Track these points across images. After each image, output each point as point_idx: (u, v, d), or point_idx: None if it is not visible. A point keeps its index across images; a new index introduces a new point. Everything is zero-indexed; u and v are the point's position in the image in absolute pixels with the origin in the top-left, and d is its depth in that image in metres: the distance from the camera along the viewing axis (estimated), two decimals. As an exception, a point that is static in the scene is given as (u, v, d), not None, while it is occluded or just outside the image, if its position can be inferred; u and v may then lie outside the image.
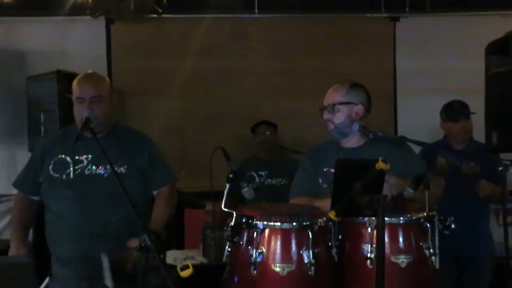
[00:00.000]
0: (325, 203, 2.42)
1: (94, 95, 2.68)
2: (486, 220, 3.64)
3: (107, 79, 2.91)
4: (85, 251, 2.60)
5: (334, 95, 2.71)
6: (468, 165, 3.36)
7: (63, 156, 2.73)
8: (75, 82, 2.75)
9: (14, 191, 4.88)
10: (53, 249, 2.75)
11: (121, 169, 2.70)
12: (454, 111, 3.57)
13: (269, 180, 4.31)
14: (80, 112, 2.68)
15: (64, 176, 2.70)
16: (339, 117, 2.67)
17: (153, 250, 2.01)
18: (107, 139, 2.70)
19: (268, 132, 4.43)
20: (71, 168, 2.69)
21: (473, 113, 3.56)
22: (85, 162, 2.70)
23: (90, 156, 2.70)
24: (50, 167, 2.73)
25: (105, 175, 2.68)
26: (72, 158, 2.71)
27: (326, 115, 2.70)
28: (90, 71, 2.87)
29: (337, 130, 2.69)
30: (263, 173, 4.32)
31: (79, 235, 2.62)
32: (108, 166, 2.62)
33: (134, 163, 2.73)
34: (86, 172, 2.69)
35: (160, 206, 2.78)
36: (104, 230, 2.61)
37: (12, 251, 2.73)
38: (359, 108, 2.70)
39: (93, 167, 2.70)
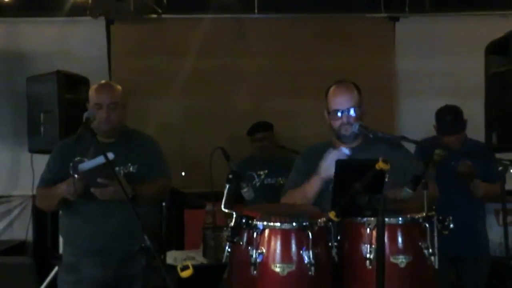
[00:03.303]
0: (312, 183, 2.56)
1: (110, 101, 2.88)
2: (482, 219, 3.64)
3: (120, 87, 3.05)
4: (106, 244, 2.80)
5: (350, 98, 2.67)
6: (464, 163, 3.35)
7: (79, 158, 2.85)
8: (92, 90, 2.96)
9: (14, 192, 4.93)
10: (78, 243, 2.87)
11: (132, 169, 2.90)
12: (447, 126, 3.49)
13: (268, 180, 4.31)
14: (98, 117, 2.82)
15: None
16: (357, 120, 2.64)
17: (153, 250, 2.02)
18: (118, 142, 2.91)
19: (265, 138, 4.41)
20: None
21: (465, 128, 3.53)
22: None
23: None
24: (70, 169, 2.84)
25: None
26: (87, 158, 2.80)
27: (345, 119, 2.65)
28: (104, 81, 3.15)
29: (353, 134, 2.65)
30: (262, 173, 4.31)
31: (103, 230, 2.80)
32: (121, 167, 2.84)
33: (142, 162, 2.92)
34: None
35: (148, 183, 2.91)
36: (121, 226, 2.75)
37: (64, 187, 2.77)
38: (365, 108, 2.71)
39: None
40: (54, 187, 2.83)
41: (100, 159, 2.59)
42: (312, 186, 2.60)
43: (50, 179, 2.92)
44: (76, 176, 2.68)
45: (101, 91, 2.93)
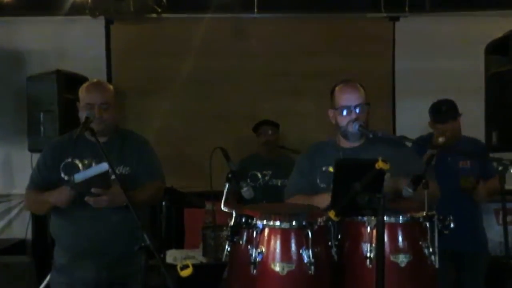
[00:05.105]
0: (321, 199, 2.45)
1: (102, 101, 2.78)
2: (480, 215, 3.65)
3: (112, 86, 2.98)
4: (98, 246, 2.73)
5: (359, 95, 2.66)
6: (465, 179, 3.37)
7: (71, 159, 2.80)
8: (83, 89, 2.85)
9: (14, 191, 4.93)
10: (69, 245, 2.81)
11: (125, 171, 2.81)
12: (441, 113, 3.52)
13: (273, 180, 4.30)
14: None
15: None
16: (364, 117, 2.65)
17: (153, 249, 2.02)
18: (110, 142, 2.83)
19: (270, 132, 4.41)
20: (81, 171, 2.75)
21: (460, 114, 3.54)
22: (93, 165, 2.74)
23: (96, 159, 2.75)
24: (61, 170, 2.80)
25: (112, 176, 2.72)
26: (80, 160, 2.77)
27: (354, 115, 2.63)
28: (95, 79, 3.00)
29: (359, 132, 2.63)
30: (266, 173, 4.31)
31: (95, 232, 2.73)
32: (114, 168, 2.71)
33: (135, 164, 2.84)
34: None
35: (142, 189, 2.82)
36: (114, 227, 2.72)
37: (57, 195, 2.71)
38: (369, 108, 2.71)
39: None
40: (45, 194, 2.75)
41: (95, 169, 2.58)
42: (323, 202, 2.45)
43: (40, 180, 2.84)
44: (69, 188, 2.63)
45: (92, 91, 2.82)
